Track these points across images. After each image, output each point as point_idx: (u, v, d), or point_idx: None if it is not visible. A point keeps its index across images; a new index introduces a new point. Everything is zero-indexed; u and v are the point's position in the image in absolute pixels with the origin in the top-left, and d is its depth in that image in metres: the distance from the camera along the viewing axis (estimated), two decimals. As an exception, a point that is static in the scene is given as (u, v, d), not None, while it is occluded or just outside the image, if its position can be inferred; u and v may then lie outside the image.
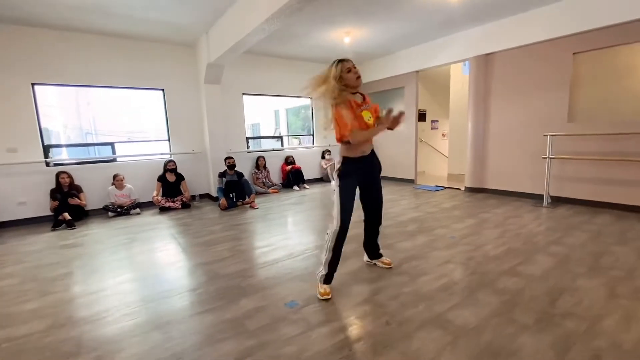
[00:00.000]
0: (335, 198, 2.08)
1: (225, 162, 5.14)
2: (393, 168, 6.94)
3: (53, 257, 3.08)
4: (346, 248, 2.95)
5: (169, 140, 5.47)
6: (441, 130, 8.23)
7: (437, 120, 8.12)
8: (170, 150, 5.46)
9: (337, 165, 2.15)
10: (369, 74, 7.11)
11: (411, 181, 6.59)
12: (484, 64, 5.05)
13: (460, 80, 6.58)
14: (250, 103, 6.51)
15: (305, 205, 4.88)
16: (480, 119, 5.22)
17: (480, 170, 5.35)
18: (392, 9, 4.21)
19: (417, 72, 6.17)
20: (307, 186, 6.45)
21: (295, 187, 6.29)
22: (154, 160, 5.31)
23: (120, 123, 5.23)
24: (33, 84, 4.37)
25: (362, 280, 2.33)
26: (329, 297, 2.05)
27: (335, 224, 2.07)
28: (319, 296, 2.07)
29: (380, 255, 2.55)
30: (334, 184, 2.11)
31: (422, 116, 7.71)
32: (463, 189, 5.59)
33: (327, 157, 7.09)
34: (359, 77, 2.06)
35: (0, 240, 3.71)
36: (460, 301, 1.99)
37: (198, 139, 5.69)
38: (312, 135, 7.24)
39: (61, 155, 4.77)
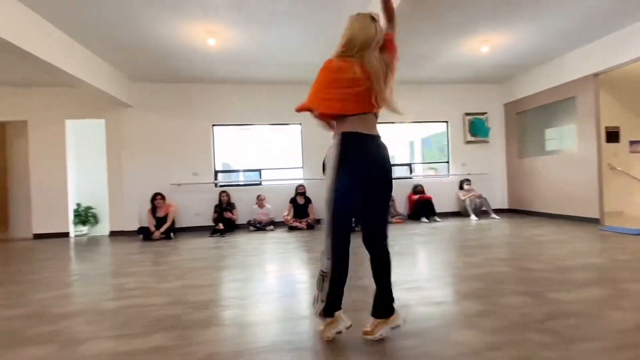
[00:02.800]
0: (326, 204, 1.45)
1: (347, 186, 5.19)
2: (563, 202, 5.28)
3: (199, 254, 3.76)
4: (467, 284, 2.30)
5: (302, 167, 6.05)
6: (650, 154, 5.79)
7: (642, 141, 5.80)
8: (303, 176, 6.01)
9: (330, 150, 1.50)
10: (523, 89, 5.93)
11: (594, 221, 4.78)
12: None
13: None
14: (385, 135, 6.50)
15: (428, 238, 4.25)
16: None
17: None
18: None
19: (596, 75, 4.66)
20: (438, 219, 5.68)
21: (424, 219, 5.64)
22: (289, 185, 5.94)
23: (267, 153, 6.19)
24: (213, 125, 5.82)
25: (475, 327, 1.70)
26: (346, 326, 1.50)
27: (326, 254, 1.47)
28: (323, 337, 1.54)
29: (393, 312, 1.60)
30: (330, 181, 1.45)
31: (613, 135, 5.69)
32: (695, 235, 3.58)
33: (466, 187, 6.12)
34: None
35: (177, 240, 4.87)
36: (657, 396, 1.13)
37: (327, 167, 6.04)
38: (448, 162, 6.48)
39: (224, 178, 6.01)
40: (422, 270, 2.85)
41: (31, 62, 3.45)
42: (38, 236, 5.37)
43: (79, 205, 5.85)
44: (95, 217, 5.99)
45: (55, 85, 5.31)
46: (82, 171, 5.91)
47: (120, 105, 5.36)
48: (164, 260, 3.55)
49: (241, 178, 6.16)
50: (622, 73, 4.84)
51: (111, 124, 5.50)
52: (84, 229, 5.86)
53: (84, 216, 5.81)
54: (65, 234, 5.44)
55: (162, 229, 4.96)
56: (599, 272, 2.53)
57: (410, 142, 9.06)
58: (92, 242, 4.95)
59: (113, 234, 5.51)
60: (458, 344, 1.54)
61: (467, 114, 6.40)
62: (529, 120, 6.08)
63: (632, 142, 5.80)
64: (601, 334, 1.57)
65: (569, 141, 5.27)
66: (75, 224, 5.70)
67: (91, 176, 5.99)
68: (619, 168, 5.68)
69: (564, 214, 5.26)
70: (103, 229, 5.95)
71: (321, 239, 1.57)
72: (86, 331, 1.82)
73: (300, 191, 5.55)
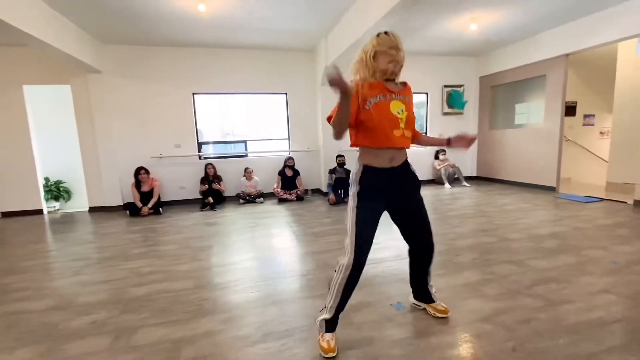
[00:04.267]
0: (349, 223, 1.55)
1: (336, 159, 5.35)
2: (526, 172, 5.90)
3: (200, 231, 3.80)
4: (463, 255, 2.67)
5: (288, 138, 6.04)
6: (598, 128, 6.53)
7: (593, 115, 6.49)
8: (290, 148, 6.03)
9: (353, 177, 1.60)
10: (498, 64, 6.22)
11: (550, 189, 5.45)
12: (678, 36, 3.73)
13: (632, 63, 5.04)
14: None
15: (415, 207, 4.62)
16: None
17: (662, 179, 3.99)
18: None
19: (567, 55, 5.04)
20: (417, 187, 6.10)
21: (405, 188, 6.03)
22: (276, 156, 5.95)
23: (251, 123, 6.04)
24: (194, 94, 5.50)
25: (481, 295, 2.04)
26: (335, 354, 1.52)
27: (347, 258, 1.53)
28: (322, 353, 1.53)
29: (432, 300, 1.85)
30: (351, 203, 1.58)
31: (570, 109, 6.28)
32: (632, 202, 4.29)
33: (441, 157, 6.55)
34: (391, 62, 1.53)
35: (166, 215, 4.81)
36: (625, 344, 1.52)
37: (313, 138, 6.09)
38: (425, 133, 6.80)
39: (208, 150, 5.84)
40: (419, 242, 3.17)
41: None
42: (8, 214, 4.99)
43: (47, 179, 5.44)
44: (67, 192, 5.63)
45: (7, 45, 4.62)
46: (48, 143, 5.41)
47: (88, 71, 4.84)
48: (166, 239, 3.55)
49: (226, 150, 6.01)
50: (587, 55, 5.27)
51: (78, 90, 4.99)
52: (56, 205, 5.52)
53: (56, 191, 5.44)
54: (39, 212, 5.10)
55: (150, 204, 4.84)
56: (563, 240, 3.02)
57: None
58: (74, 220, 4.73)
59: (93, 209, 5.26)
60: (471, 311, 1.86)
61: (446, 86, 6.64)
62: (501, 94, 6.48)
63: (586, 116, 6.47)
64: (576, 297, 1.98)
65: (536, 116, 5.77)
66: (47, 200, 5.34)
67: (58, 148, 5.53)
68: (571, 139, 6.37)
69: (526, 182, 5.91)
70: (77, 204, 5.65)
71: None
72: (131, 320, 1.90)
73: (289, 164, 5.61)
